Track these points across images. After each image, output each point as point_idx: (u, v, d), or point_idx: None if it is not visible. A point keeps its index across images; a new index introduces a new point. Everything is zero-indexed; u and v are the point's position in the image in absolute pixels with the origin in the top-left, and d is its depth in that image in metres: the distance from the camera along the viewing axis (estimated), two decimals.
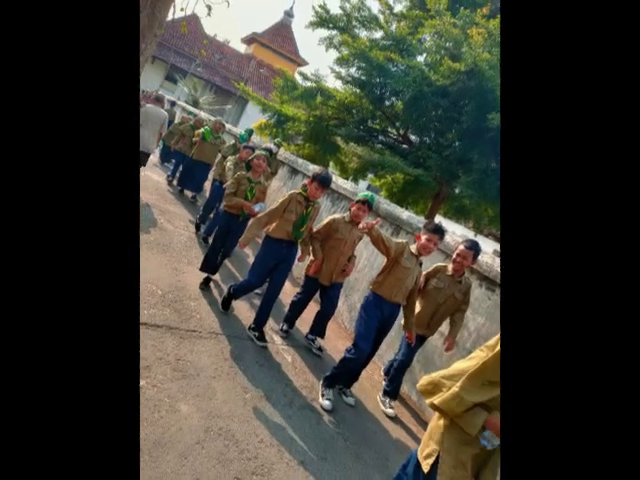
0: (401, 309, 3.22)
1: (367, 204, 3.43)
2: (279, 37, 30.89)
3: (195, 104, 21.94)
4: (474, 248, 3.16)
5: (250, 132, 6.75)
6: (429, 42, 8.82)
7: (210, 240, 4.57)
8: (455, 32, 7.16)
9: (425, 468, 1.68)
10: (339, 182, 5.63)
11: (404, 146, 9.70)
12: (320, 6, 9.36)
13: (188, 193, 7.50)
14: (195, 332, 3.14)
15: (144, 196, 6.07)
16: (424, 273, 3.35)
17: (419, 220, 4.37)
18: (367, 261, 4.78)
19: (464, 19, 7.28)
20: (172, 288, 3.65)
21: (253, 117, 20.62)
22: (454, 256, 3.23)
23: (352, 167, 10.52)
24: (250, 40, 31.54)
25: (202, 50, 19.38)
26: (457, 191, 8.81)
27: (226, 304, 3.67)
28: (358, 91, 9.33)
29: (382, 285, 3.11)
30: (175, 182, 7.73)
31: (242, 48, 32.86)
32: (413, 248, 3.11)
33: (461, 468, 1.61)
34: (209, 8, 4.32)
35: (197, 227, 5.70)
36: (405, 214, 4.57)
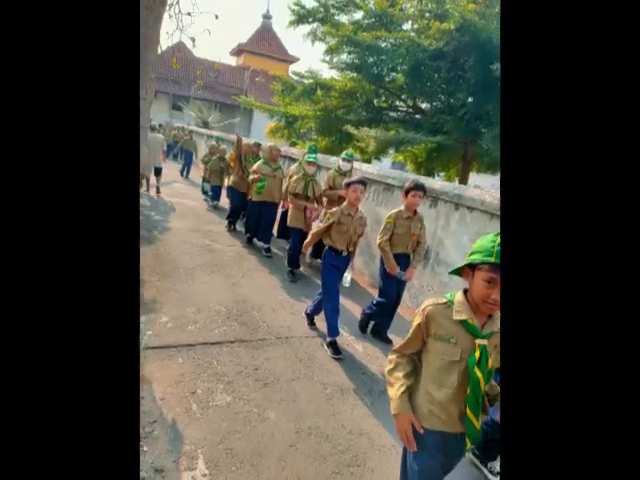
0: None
1: (363, 184, 3.31)
2: (264, 41, 31.00)
3: (205, 125, 22.35)
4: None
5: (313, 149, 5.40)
6: (411, 9, 8.71)
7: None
8: None
9: None
10: (363, 168, 5.72)
11: (417, 116, 9.61)
12: (295, 3, 9.42)
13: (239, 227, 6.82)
14: (265, 340, 3.29)
15: (186, 222, 6.66)
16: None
17: (454, 187, 4.38)
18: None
19: None
20: (234, 303, 3.85)
21: (261, 123, 20.96)
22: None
23: (371, 150, 10.44)
24: (238, 52, 31.86)
25: (198, 72, 19.89)
26: (485, 147, 8.25)
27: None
28: (355, 75, 9.32)
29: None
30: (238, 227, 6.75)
31: (233, 60, 33.30)
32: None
33: None
34: (193, 40, 4.55)
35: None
36: (438, 184, 4.56)
